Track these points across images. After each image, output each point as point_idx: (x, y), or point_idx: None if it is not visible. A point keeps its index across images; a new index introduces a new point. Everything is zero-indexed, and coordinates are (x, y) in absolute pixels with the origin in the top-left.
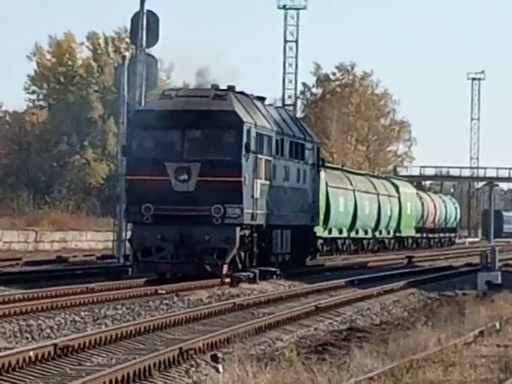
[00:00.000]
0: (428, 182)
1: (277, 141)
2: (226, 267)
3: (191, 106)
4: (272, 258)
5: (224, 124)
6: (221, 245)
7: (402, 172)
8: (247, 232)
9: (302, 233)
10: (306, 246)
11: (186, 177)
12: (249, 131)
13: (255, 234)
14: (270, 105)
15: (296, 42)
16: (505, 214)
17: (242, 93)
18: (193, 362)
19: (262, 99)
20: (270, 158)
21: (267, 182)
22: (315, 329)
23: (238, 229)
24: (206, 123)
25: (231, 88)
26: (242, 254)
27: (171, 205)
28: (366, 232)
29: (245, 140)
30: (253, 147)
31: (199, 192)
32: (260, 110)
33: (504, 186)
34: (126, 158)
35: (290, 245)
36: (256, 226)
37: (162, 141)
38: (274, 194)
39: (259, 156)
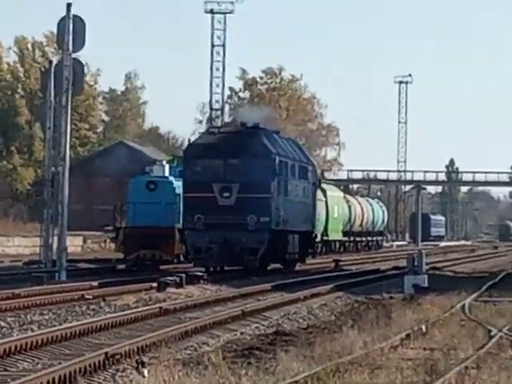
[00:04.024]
0: (355, 186)
1: (291, 165)
2: (258, 262)
3: (231, 139)
4: (286, 256)
5: (257, 153)
6: (254, 245)
7: (330, 176)
8: (272, 235)
9: (305, 237)
10: (307, 248)
11: (228, 194)
12: (274, 159)
13: (277, 237)
14: (283, 137)
15: (223, 46)
16: (432, 217)
17: (265, 129)
18: (119, 367)
19: (277, 132)
20: (287, 179)
21: (285, 197)
22: (241, 333)
23: (267, 233)
24: (242, 153)
25: (257, 125)
26: (269, 252)
27: (217, 215)
28: None
29: (272, 166)
30: (277, 171)
31: (238, 205)
32: (278, 142)
33: (431, 189)
34: (182, 180)
35: (298, 246)
36: (278, 230)
37: (210, 167)
38: (289, 206)
39: (280, 177)
